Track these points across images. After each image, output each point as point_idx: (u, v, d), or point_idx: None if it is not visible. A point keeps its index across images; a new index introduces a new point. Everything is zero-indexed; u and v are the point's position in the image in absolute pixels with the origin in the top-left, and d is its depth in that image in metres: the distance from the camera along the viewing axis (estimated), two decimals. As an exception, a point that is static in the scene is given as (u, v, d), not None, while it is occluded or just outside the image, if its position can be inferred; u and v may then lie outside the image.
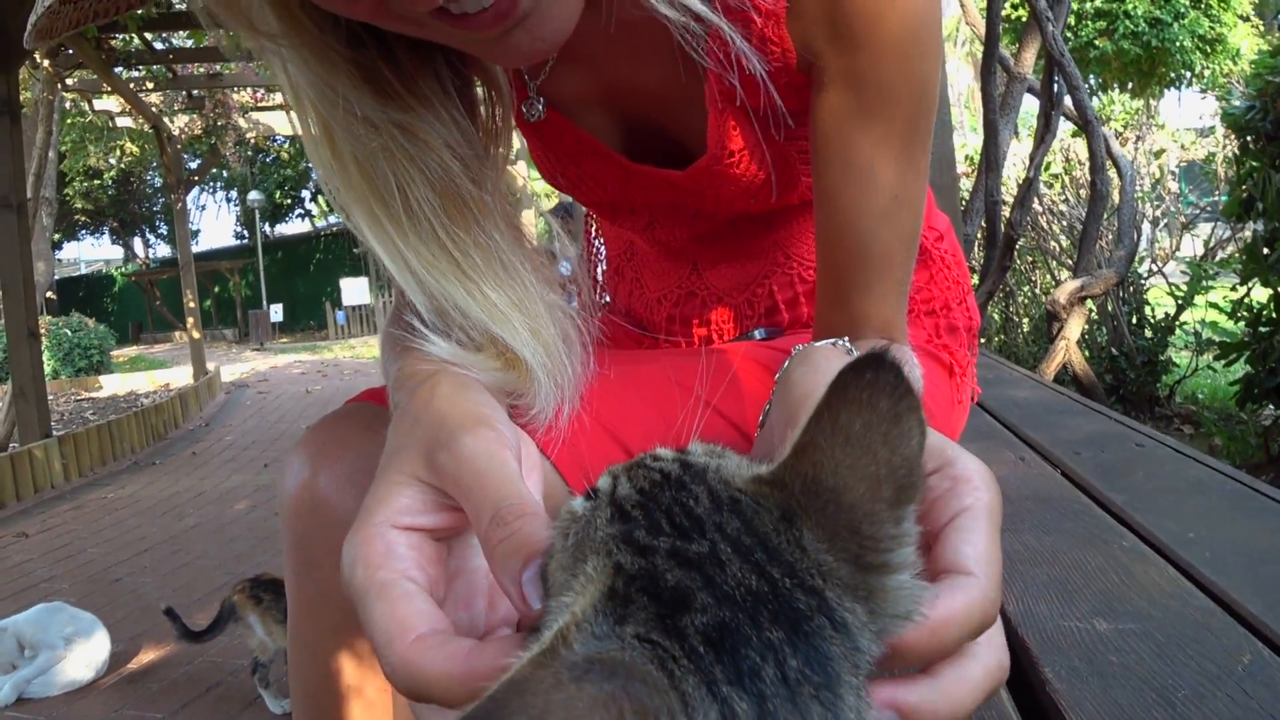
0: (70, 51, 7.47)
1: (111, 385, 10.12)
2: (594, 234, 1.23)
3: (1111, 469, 1.06)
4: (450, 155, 0.67)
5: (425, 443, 0.47)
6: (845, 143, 0.70)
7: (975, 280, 4.88)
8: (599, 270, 1.22)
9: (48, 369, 8.70)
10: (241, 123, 10.21)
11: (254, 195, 21.90)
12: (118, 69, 8.07)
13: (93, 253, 38.85)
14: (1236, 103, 3.86)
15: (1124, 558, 0.75)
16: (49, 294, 16.54)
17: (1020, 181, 4.15)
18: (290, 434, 6.69)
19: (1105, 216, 4.01)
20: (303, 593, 0.82)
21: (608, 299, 1.21)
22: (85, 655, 2.49)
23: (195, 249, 22.33)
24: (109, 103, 9.53)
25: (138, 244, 28.35)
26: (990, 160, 3.45)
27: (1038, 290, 6.44)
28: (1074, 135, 4.66)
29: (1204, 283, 4.73)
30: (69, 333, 10.68)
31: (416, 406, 0.52)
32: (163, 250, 28.99)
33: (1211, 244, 5.39)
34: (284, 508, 0.80)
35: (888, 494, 0.28)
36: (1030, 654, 0.57)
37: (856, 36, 0.67)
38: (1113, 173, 3.83)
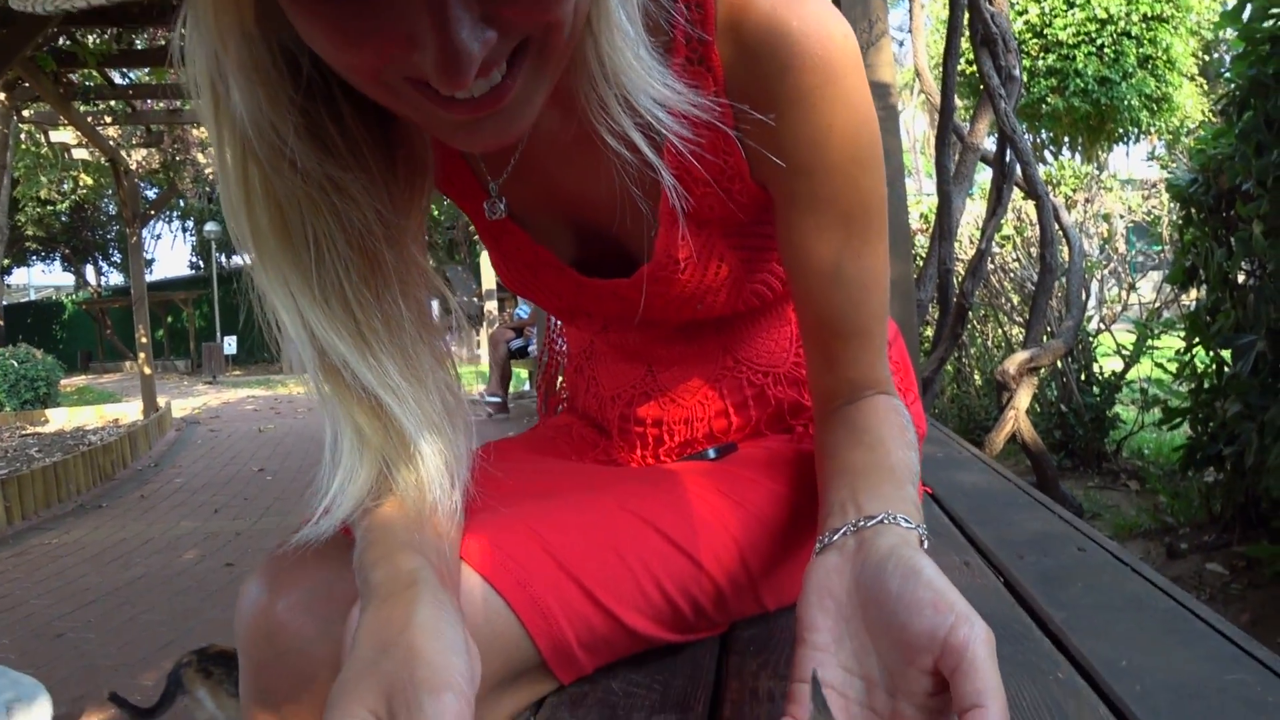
0: (27, 85, 7.38)
1: (59, 420, 9.89)
2: (556, 332, 1.26)
3: (1053, 578, 1.09)
4: (375, 217, 0.68)
5: (389, 684, 0.50)
6: (809, 252, 0.78)
7: (927, 347, 4.97)
8: (560, 369, 1.25)
9: (-8, 402, 8.50)
10: (200, 158, 10.14)
11: (210, 226, 21.60)
12: (75, 102, 7.99)
13: (43, 279, 38.15)
14: (1180, 173, 3.99)
15: (1058, 692, 0.77)
16: (-4, 320, 16.16)
17: (974, 245, 4.25)
18: (241, 477, 6.59)
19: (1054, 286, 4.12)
20: (259, 717, 0.82)
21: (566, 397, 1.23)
22: (26, 723, 2.42)
23: (149, 278, 21.93)
24: (65, 135, 9.41)
25: (89, 271, 27.86)
26: (944, 229, 3.54)
27: (990, 343, 6.56)
28: (1025, 198, 4.80)
29: (1149, 342, 4.86)
30: (15, 364, 10.43)
31: (391, 629, 0.55)
32: (115, 278, 28.48)
33: (1157, 303, 5.54)
34: (240, 633, 0.80)
35: None
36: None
37: (801, 165, 0.74)
38: (1063, 242, 3.95)
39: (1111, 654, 0.84)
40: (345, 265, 0.67)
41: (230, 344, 19.81)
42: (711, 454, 1.00)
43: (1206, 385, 3.65)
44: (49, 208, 20.11)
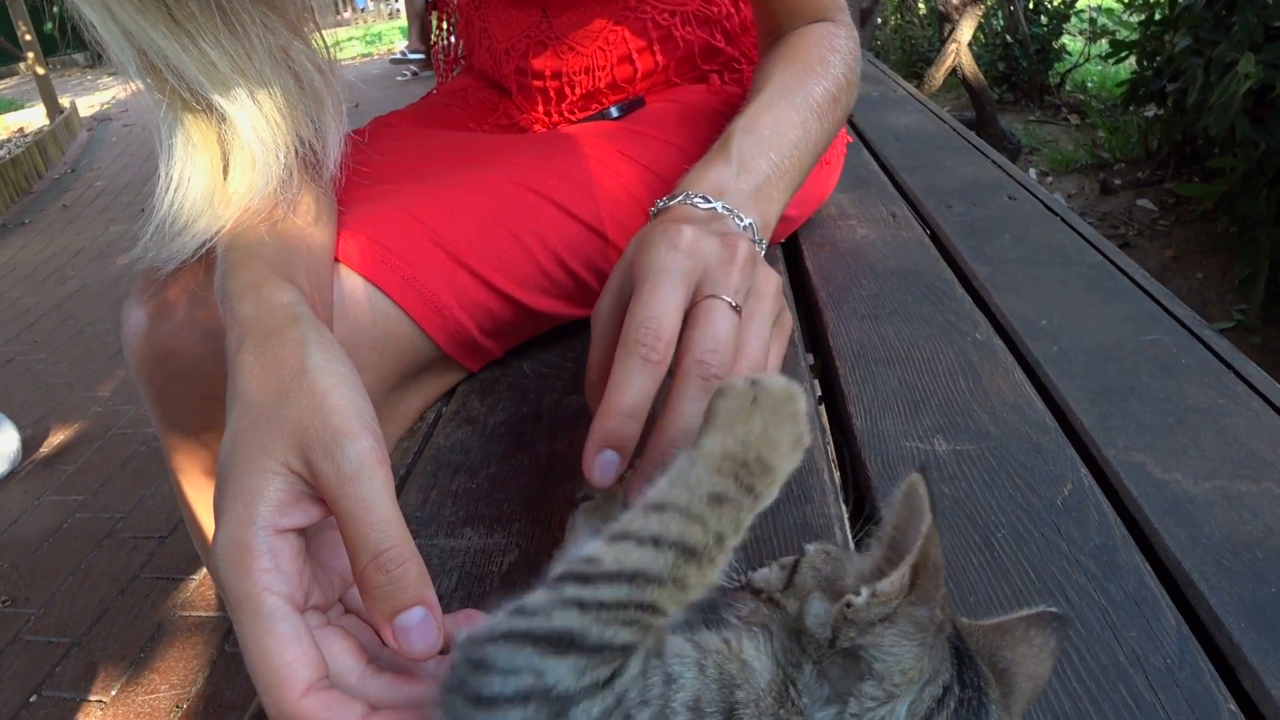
0: None
1: (-43, 135, 9.27)
2: None
3: (981, 229, 1.07)
4: None
5: (299, 430, 0.43)
6: None
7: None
8: (452, 24, 1.14)
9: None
10: None
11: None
12: None
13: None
14: None
15: (975, 355, 0.77)
16: None
17: None
18: (167, 176, 6.30)
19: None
20: (171, 438, 0.81)
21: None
22: (-5, 451, 2.46)
23: (21, -37, 19.66)
24: None
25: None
26: None
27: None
28: None
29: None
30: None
31: (283, 372, 0.46)
32: (-17, -35, 25.57)
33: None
34: (132, 364, 0.77)
35: (1032, 669, 0.38)
36: (870, 483, 0.60)
37: None
38: None
39: (1032, 313, 0.84)
40: None
41: (128, 32, 18.22)
42: (615, 112, 0.93)
43: (1158, 16, 3.51)
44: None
